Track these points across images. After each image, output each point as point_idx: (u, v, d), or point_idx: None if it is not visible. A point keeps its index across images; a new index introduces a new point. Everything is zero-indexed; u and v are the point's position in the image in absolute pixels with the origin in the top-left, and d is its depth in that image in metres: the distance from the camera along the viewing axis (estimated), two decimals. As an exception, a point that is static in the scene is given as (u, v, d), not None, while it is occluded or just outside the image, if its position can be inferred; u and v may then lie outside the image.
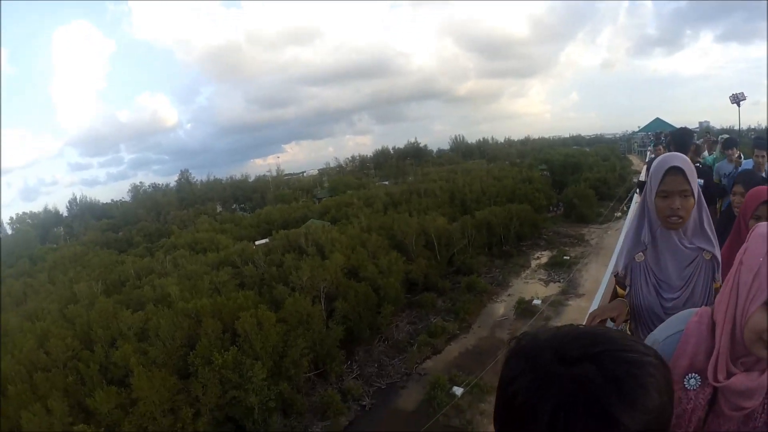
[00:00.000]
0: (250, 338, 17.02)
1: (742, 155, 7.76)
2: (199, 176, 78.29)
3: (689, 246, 2.04)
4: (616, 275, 2.33)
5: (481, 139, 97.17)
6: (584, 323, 1.84)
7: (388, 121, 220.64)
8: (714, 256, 2.03)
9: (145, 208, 59.52)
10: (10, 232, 58.85)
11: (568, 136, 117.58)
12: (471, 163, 73.28)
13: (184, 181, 74.87)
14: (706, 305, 1.45)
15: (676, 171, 1.94)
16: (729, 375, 1.21)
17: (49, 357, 16.93)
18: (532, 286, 26.96)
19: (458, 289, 26.53)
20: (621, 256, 2.24)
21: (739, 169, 6.56)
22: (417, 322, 23.63)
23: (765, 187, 3.06)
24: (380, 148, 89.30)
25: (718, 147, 9.28)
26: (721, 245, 2.16)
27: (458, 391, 17.40)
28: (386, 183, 62.36)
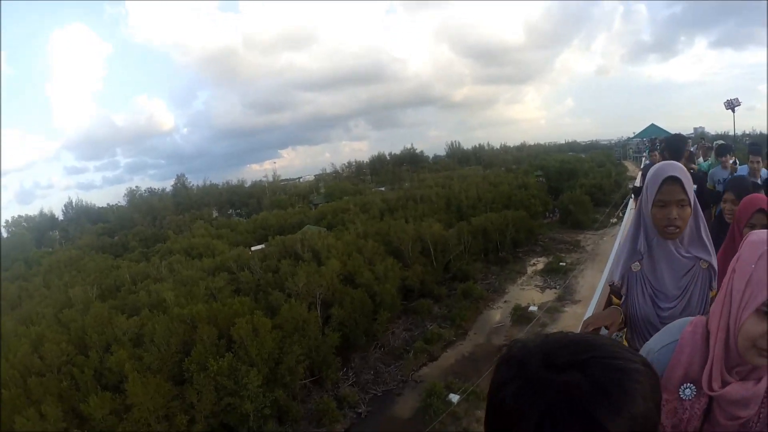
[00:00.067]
0: (246, 345, 16.95)
1: (737, 161, 7.80)
2: (195, 181, 78.30)
3: (686, 255, 2.03)
4: (611, 285, 2.32)
5: (477, 145, 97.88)
6: (578, 331, 1.84)
7: (385, 126, 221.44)
8: (711, 265, 2.03)
9: (140, 212, 59.38)
10: (5, 235, 58.56)
11: (563, 142, 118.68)
12: (467, 169, 73.58)
13: (180, 185, 74.77)
14: (702, 314, 1.45)
15: (673, 181, 1.94)
16: (724, 384, 1.21)
17: (43, 362, 16.83)
18: (528, 293, 26.98)
19: (454, 295, 26.49)
20: (617, 265, 2.23)
21: (735, 175, 6.61)
22: (413, 329, 23.57)
23: (760, 195, 3.06)
24: (376, 153, 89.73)
25: (713, 153, 9.35)
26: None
27: (454, 398, 17.34)
28: (382, 189, 62.46)
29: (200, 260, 29.03)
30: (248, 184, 78.77)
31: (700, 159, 11.20)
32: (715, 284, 2.04)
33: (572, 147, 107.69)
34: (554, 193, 46.03)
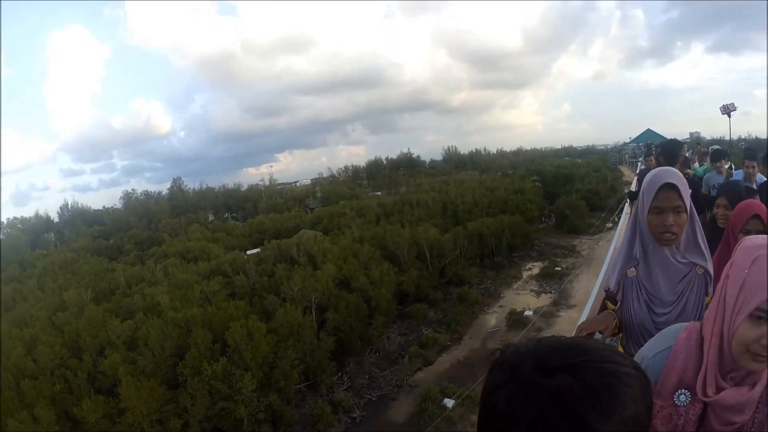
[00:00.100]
0: (240, 349, 16.89)
1: (733, 166, 7.83)
2: (191, 184, 78.54)
3: (682, 261, 2.04)
4: (607, 290, 2.32)
5: (474, 150, 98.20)
6: (572, 335, 1.83)
7: (382, 131, 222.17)
8: (707, 271, 2.03)
9: (136, 215, 59.34)
10: (0, 236, 58.41)
11: (559, 147, 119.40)
12: (463, 174, 73.79)
13: (177, 188, 74.83)
14: (698, 320, 1.45)
15: (669, 187, 1.94)
16: (719, 390, 1.22)
17: (36, 364, 16.74)
18: (524, 297, 27.01)
19: (450, 300, 26.50)
20: (613, 271, 2.23)
21: (727, 180, 6.64)
22: (408, 334, 23.56)
23: (755, 200, 3.06)
24: (373, 158, 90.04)
25: (708, 158, 9.39)
26: None
27: (449, 403, 17.32)
28: (379, 193, 62.60)
29: (195, 264, 28.97)
30: (245, 187, 78.93)
31: (696, 164, 11.25)
32: (711, 290, 2.04)
33: (568, 152, 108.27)
34: (550, 198, 46.21)
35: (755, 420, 1.24)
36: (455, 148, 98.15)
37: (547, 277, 29.43)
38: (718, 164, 7.53)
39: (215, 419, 15.94)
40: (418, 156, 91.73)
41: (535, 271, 31.38)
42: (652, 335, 1.91)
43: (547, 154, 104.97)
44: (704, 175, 7.85)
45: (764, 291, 1.10)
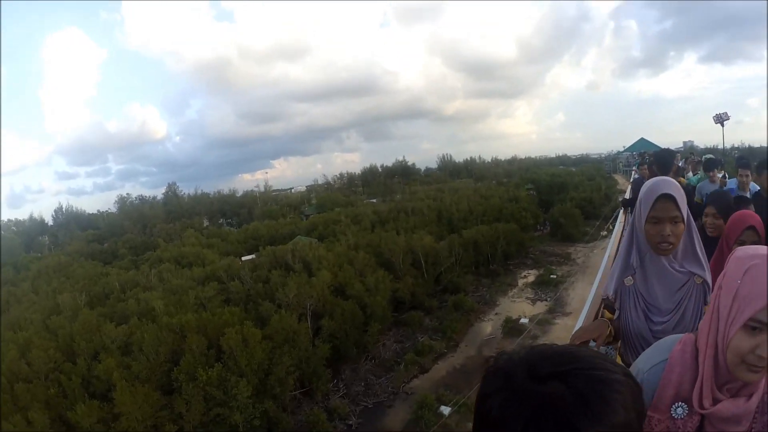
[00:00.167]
0: (235, 355, 16.81)
1: (726, 175, 7.91)
2: (186, 189, 78.02)
3: (680, 270, 2.05)
4: (605, 299, 2.33)
5: (469, 159, 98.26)
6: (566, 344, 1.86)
7: (377, 139, 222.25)
8: (705, 281, 2.04)
9: (131, 220, 58.96)
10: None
11: (554, 155, 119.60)
12: (458, 182, 73.79)
13: (172, 194, 74.47)
14: (696, 330, 1.48)
15: (666, 198, 1.96)
16: (715, 401, 1.23)
17: (30, 368, 16.59)
18: (519, 305, 27.00)
19: (445, 307, 26.43)
20: (611, 280, 2.24)
21: (724, 188, 6.70)
22: (404, 341, 23.49)
23: (749, 211, 3.09)
24: (368, 165, 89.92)
25: (702, 167, 9.47)
26: None
27: (446, 410, 17.28)
28: (374, 201, 62.46)
29: (190, 269, 28.80)
30: (240, 193, 78.59)
31: (690, 173, 11.34)
32: (710, 299, 2.06)
33: (563, 161, 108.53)
34: (545, 206, 46.23)
35: (752, 431, 1.24)
36: (450, 156, 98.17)
37: (542, 284, 29.43)
38: (711, 173, 7.61)
39: (210, 425, 15.85)
40: (413, 164, 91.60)
41: (531, 278, 31.38)
42: (649, 344, 1.93)
43: (541, 162, 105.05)
44: (697, 184, 7.93)
45: (758, 301, 1.11)
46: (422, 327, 24.63)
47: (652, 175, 7.09)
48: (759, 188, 5.78)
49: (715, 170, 7.73)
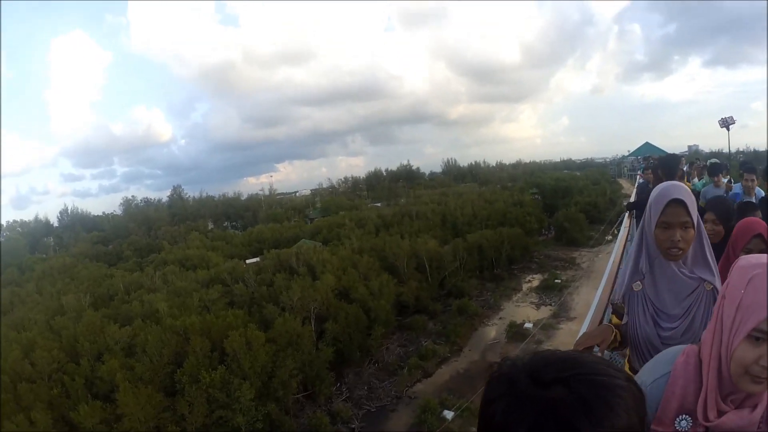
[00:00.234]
0: (239, 357, 16.83)
1: (732, 180, 7.84)
2: (191, 192, 78.44)
3: (690, 276, 2.01)
4: (613, 304, 2.29)
5: (473, 163, 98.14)
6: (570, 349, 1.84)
7: (381, 143, 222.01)
8: (715, 287, 1.99)
9: (136, 222, 59.18)
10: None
11: (558, 160, 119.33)
12: (463, 186, 73.83)
13: (177, 196, 74.79)
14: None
15: (677, 203, 1.93)
16: (720, 413, 1.20)
17: (34, 368, 16.70)
18: (524, 310, 26.96)
19: (449, 311, 26.42)
20: (619, 285, 2.21)
21: (730, 193, 6.64)
22: (408, 345, 23.47)
23: (757, 219, 3.03)
24: (373, 169, 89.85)
25: (707, 172, 9.42)
26: None
27: (449, 414, 17.23)
28: (378, 205, 62.51)
29: (194, 272, 28.90)
30: (244, 197, 78.86)
31: (695, 179, 11.27)
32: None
33: (567, 165, 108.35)
34: (549, 211, 46.22)
35: None
36: (454, 160, 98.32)
37: (546, 289, 29.38)
38: (716, 178, 7.56)
39: (213, 427, 15.86)
40: (418, 168, 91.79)
41: (535, 283, 31.33)
42: (657, 350, 1.90)
43: (545, 167, 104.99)
44: (702, 189, 7.87)
45: (761, 311, 1.09)
46: (426, 331, 24.60)
47: (657, 179, 7.04)
48: (765, 193, 5.72)
49: (720, 175, 7.68)
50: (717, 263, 2.68)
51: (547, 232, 42.66)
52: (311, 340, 19.54)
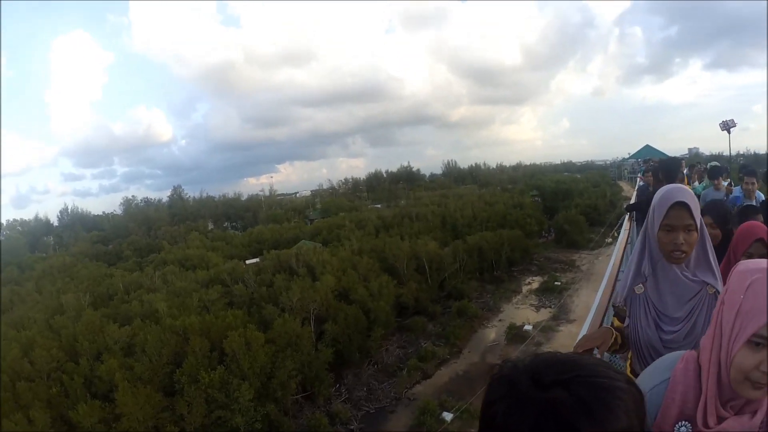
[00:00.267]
0: (238, 358, 16.82)
1: (732, 183, 7.84)
2: (191, 192, 78.31)
3: (692, 279, 2.01)
4: (615, 307, 2.29)
5: (473, 165, 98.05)
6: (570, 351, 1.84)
7: (382, 144, 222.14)
8: (717, 291, 1.98)
9: (136, 221, 59.14)
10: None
11: (559, 162, 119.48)
12: (463, 188, 73.78)
13: (177, 196, 74.75)
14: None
15: (680, 206, 1.92)
16: (720, 419, 1.20)
17: (33, 367, 16.69)
18: (523, 312, 26.94)
19: (449, 313, 26.41)
20: (621, 287, 2.21)
21: (730, 196, 6.64)
22: (407, 346, 23.45)
23: (758, 222, 3.01)
24: (373, 171, 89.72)
25: (706, 176, 9.42)
26: None
27: (448, 416, 17.22)
28: (378, 206, 62.49)
29: (194, 272, 28.90)
30: (245, 197, 78.75)
31: (696, 183, 11.26)
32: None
33: (568, 167, 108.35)
34: (549, 213, 46.22)
35: None
36: (455, 162, 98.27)
37: (546, 291, 29.39)
38: (716, 181, 7.56)
39: (212, 428, 15.85)
40: (418, 169, 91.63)
41: (535, 285, 31.33)
42: (659, 354, 1.89)
43: (546, 169, 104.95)
44: (702, 192, 7.86)
45: (761, 316, 1.08)
46: (425, 333, 24.59)
47: (656, 182, 7.04)
48: (766, 197, 5.71)
49: (720, 178, 7.68)
50: (719, 267, 2.68)
51: (547, 235, 42.65)
52: (310, 341, 19.53)
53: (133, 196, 76.63)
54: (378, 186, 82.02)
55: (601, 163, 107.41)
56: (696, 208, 1.95)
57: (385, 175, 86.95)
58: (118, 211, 70.88)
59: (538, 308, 27.36)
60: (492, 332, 24.97)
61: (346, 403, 19.14)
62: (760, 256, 2.58)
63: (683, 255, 1.97)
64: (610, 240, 33.12)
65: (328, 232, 39.93)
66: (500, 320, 26.12)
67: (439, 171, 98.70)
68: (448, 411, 17.55)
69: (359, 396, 19.70)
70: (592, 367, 0.86)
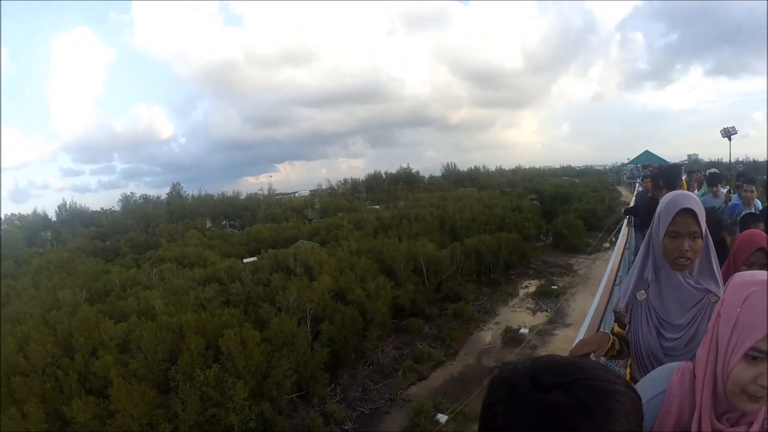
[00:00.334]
0: (234, 356, 16.79)
1: (731, 190, 7.84)
2: (190, 190, 78.48)
3: (696, 286, 2.01)
4: (616, 312, 2.28)
5: (473, 167, 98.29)
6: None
7: (382, 145, 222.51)
8: (719, 299, 2.00)
9: (134, 218, 59.16)
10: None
11: (558, 166, 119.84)
12: (462, 190, 73.82)
13: (175, 194, 74.79)
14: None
15: (687, 212, 1.93)
16: None
17: (28, 362, 16.63)
18: (520, 315, 26.94)
19: (445, 315, 26.39)
20: (623, 293, 2.20)
21: (728, 204, 6.65)
22: (403, 348, 23.44)
23: (759, 231, 3.00)
24: (373, 172, 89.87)
25: (705, 183, 9.43)
26: None
27: (442, 418, 17.21)
28: (377, 207, 62.49)
29: (191, 269, 28.86)
30: (243, 196, 78.98)
31: (696, 190, 11.27)
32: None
33: (567, 171, 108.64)
34: (548, 217, 46.29)
35: None
36: (454, 164, 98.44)
37: (543, 295, 29.39)
38: (715, 188, 7.58)
39: (206, 426, 15.80)
40: (418, 171, 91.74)
41: (532, 289, 31.33)
42: (660, 361, 1.90)
43: (545, 173, 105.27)
44: (701, 198, 7.86)
45: (759, 330, 1.08)
46: (421, 334, 24.57)
47: (654, 187, 7.06)
48: (766, 204, 5.71)
49: (719, 185, 7.69)
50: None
51: (545, 238, 42.70)
52: (306, 341, 19.49)
53: (131, 192, 76.92)
54: (377, 187, 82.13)
55: (600, 168, 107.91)
56: (702, 215, 1.95)
57: (384, 176, 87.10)
58: (117, 207, 71.11)
59: (534, 312, 27.35)
60: (488, 335, 24.95)
61: (340, 404, 19.12)
62: (761, 266, 2.58)
63: (688, 262, 1.97)
64: (607, 245, 33.17)
65: (326, 232, 39.92)
66: (496, 323, 26.11)
67: (438, 173, 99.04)
68: (442, 413, 17.52)
69: (354, 396, 19.68)
70: (592, 370, 0.87)
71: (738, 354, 1.11)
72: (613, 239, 23.87)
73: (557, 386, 0.82)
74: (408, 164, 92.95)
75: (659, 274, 2.06)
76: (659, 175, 6.96)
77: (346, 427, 17.88)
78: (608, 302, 4.52)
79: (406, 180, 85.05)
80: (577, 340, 2.57)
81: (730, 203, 6.68)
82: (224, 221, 66.30)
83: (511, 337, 23.30)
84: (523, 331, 23.68)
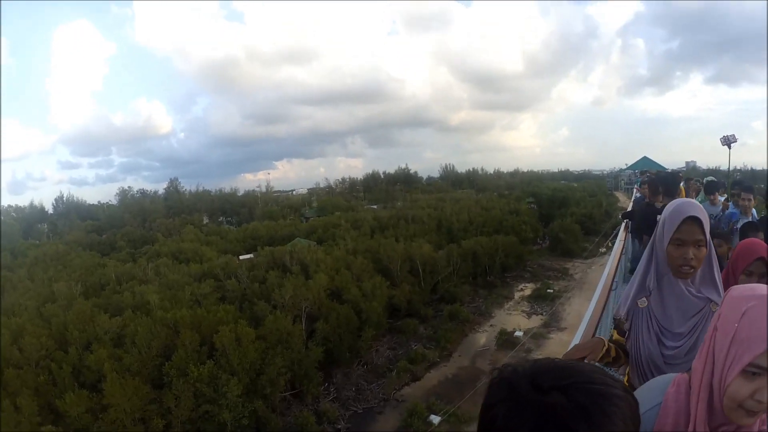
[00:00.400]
0: (228, 353, 16.77)
1: (729, 198, 7.86)
2: (188, 186, 78.45)
3: (697, 295, 2.00)
4: (616, 320, 2.27)
5: (471, 169, 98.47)
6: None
7: (381, 145, 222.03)
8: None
9: (131, 213, 59.04)
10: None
11: (556, 170, 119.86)
12: (460, 192, 73.95)
13: (173, 189, 74.69)
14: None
15: (692, 221, 1.92)
16: None
17: (22, 354, 16.59)
18: (515, 318, 26.95)
19: (441, 317, 26.38)
20: (624, 300, 2.19)
21: (726, 212, 6.66)
22: (397, 348, 23.42)
23: (759, 240, 2.99)
24: (371, 171, 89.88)
25: (702, 191, 9.45)
26: None
27: (435, 419, 17.22)
28: (375, 207, 62.46)
29: (187, 265, 28.84)
30: (241, 193, 78.83)
31: (694, 197, 11.29)
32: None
33: (565, 176, 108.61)
34: (545, 221, 46.30)
35: None
36: (453, 166, 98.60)
37: (538, 298, 29.39)
38: (712, 196, 7.60)
39: (198, 422, 15.79)
40: (416, 172, 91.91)
41: (527, 292, 31.33)
42: (660, 369, 1.89)
43: (543, 176, 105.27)
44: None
45: (757, 345, 1.06)
46: (416, 335, 24.56)
47: (651, 194, 7.08)
48: (765, 213, 5.71)
49: (717, 193, 7.71)
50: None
51: (541, 242, 42.69)
52: (301, 339, 19.49)
53: (129, 186, 76.86)
54: (375, 187, 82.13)
55: (598, 172, 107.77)
56: (707, 223, 1.94)
57: (382, 176, 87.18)
58: (114, 201, 71.04)
59: (529, 315, 27.37)
60: (483, 337, 24.96)
61: (334, 403, 19.10)
62: (760, 275, 2.58)
63: (692, 270, 1.97)
64: (604, 250, 33.22)
65: (323, 230, 39.90)
66: (491, 325, 26.11)
67: (436, 174, 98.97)
68: (435, 414, 17.53)
69: (347, 396, 19.66)
70: (590, 374, 0.89)
71: (736, 369, 1.10)
72: (610, 244, 23.92)
73: (556, 389, 0.83)
74: (406, 165, 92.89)
75: (661, 281, 2.06)
76: (658, 181, 6.98)
77: (339, 426, 17.87)
78: (604, 307, 4.53)
79: (405, 180, 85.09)
80: (572, 345, 2.58)
81: (727, 211, 6.69)
82: (221, 217, 66.18)
83: (506, 340, 23.30)
84: (518, 334, 23.70)
